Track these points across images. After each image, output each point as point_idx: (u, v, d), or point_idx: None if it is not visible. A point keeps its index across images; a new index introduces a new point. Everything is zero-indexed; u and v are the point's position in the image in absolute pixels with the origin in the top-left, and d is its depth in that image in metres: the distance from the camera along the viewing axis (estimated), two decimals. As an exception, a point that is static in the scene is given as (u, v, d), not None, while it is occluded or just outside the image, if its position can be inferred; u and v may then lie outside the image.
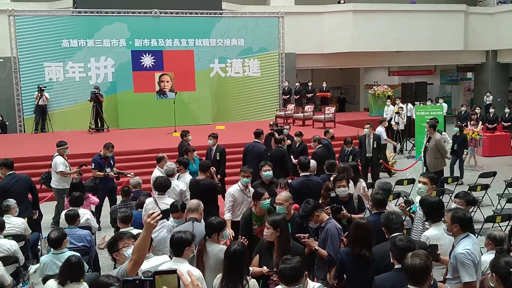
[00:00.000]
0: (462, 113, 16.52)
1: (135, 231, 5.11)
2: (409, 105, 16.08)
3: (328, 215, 4.99)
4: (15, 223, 6.38)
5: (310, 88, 19.33)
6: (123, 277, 3.03)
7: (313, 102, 18.69)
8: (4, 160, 7.51)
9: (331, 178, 6.16)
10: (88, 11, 16.67)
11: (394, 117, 15.37)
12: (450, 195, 8.80)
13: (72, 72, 16.71)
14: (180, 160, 7.73)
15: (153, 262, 4.19)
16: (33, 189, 7.44)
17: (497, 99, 20.69)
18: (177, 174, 7.45)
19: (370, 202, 5.25)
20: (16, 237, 6.16)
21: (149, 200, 6.16)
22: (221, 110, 18.17)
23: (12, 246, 5.79)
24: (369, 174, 10.80)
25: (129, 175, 8.66)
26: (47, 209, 8.70)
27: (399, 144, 15.07)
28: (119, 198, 7.95)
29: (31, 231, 6.72)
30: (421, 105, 15.84)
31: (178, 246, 3.97)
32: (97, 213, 8.55)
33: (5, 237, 5.89)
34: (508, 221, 7.04)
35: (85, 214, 6.71)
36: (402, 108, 15.89)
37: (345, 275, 4.33)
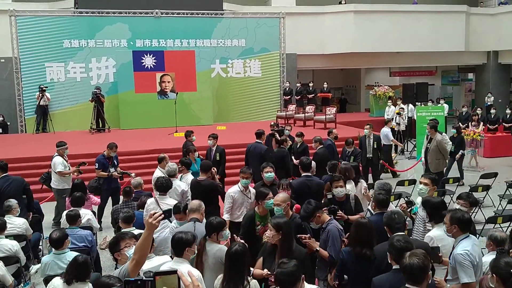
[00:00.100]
0: (463, 114, 16.51)
1: (136, 232, 5.11)
2: (410, 106, 16.06)
3: (329, 216, 4.99)
4: (17, 223, 6.39)
5: (311, 88, 19.33)
6: (125, 277, 3.04)
7: (314, 103, 18.68)
8: None
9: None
10: (90, 11, 16.69)
11: (395, 118, 15.36)
12: (452, 196, 8.81)
13: (73, 72, 16.73)
14: (183, 160, 7.74)
15: (154, 262, 4.19)
16: (27, 191, 7.41)
17: (498, 100, 20.68)
18: (180, 175, 7.47)
19: (373, 203, 5.23)
20: (17, 237, 6.16)
21: (150, 201, 6.16)
22: (222, 110, 18.18)
23: (14, 246, 5.79)
24: (370, 175, 10.80)
25: (132, 175, 8.67)
26: (49, 209, 8.70)
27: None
28: (122, 198, 7.95)
29: (32, 231, 6.74)
30: (422, 106, 15.83)
31: (178, 247, 3.98)
32: (99, 213, 8.56)
33: (6, 237, 5.90)
34: (509, 222, 7.04)
35: (86, 214, 6.71)
36: (403, 109, 15.88)
37: (346, 276, 4.33)
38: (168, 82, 16.76)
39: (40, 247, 7.28)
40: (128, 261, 3.28)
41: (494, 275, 3.39)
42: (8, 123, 16.66)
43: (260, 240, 4.84)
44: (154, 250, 4.68)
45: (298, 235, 4.69)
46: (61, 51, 16.53)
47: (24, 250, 6.18)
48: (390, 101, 17.01)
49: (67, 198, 7.87)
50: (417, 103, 16.16)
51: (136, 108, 16.29)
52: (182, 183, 7.10)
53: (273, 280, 3.95)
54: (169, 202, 6.03)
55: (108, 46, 16.93)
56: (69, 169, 8.52)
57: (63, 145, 8.57)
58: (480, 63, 22.32)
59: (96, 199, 8.30)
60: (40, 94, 15.59)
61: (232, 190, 6.30)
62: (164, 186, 6.18)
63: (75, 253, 4.94)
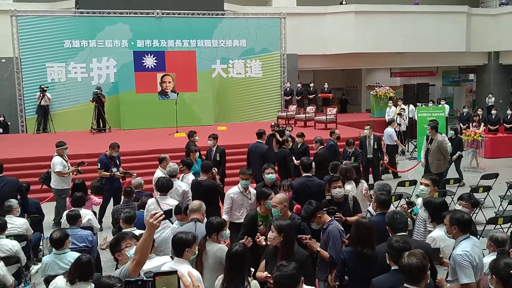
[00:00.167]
0: (464, 114, 16.50)
1: (137, 232, 5.11)
2: (411, 106, 16.06)
3: (330, 217, 4.98)
4: (17, 223, 6.39)
5: (312, 89, 19.33)
6: (125, 277, 3.04)
7: (315, 103, 18.67)
8: None
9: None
10: (90, 11, 16.71)
11: (396, 118, 15.36)
12: (452, 196, 8.80)
13: (74, 72, 16.75)
14: (184, 160, 7.74)
15: (155, 263, 4.19)
16: (21, 192, 7.38)
17: (499, 101, 20.68)
18: (181, 175, 7.47)
19: (374, 203, 5.22)
20: (18, 237, 6.17)
21: (151, 201, 6.16)
22: (222, 111, 18.19)
23: (14, 246, 5.80)
24: (370, 176, 10.79)
25: (134, 175, 8.68)
26: (49, 209, 8.70)
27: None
28: (123, 199, 7.95)
29: (33, 231, 6.74)
30: (423, 106, 15.82)
31: (178, 247, 3.98)
32: (101, 213, 8.56)
33: (7, 237, 5.90)
34: (510, 223, 7.03)
35: (86, 214, 6.71)
36: (404, 109, 15.87)
37: (346, 277, 4.33)
38: (169, 82, 16.76)
39: (40, 247, 7.28)
40: (128, 261, 3.28)
41: (493, 276, 3.37)
42: (9, 123, 16.67)
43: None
44: (155, 251, 4.69)
45: (299, 236, 4.68)
46: (62, 51, 16.55)
47: (25, 250, 6.19)
48: (391, 101, 17.00)
49: (67, 198, 7.87)
50: (418, 103, 16.15)
51: (137, 108, 16.30)
52: (183, 183, 7.10)
53: (271, 282, 3.95)
54: (170, 202, 6.04)
55: (109, 46, 16.94)
56: (68, 169, 8.52)
57: (62, 145, 8.58)
58: (481, 63, 22.31)
59: (97, 199, 8.29)
60: (41, 94, 15.60)
61: (232, 191, 6.30)
62: (164, 187, 6.18)
63: (75, 253, 4.95)
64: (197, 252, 4.09)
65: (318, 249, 4.72)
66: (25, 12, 16.31)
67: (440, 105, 16.70)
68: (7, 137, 15.58)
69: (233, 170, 9.77)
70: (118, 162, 8.85)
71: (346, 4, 20.71)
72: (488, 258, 4.26)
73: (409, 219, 5.71)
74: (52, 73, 16.54)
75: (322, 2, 20.19)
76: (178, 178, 7.32)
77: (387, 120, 16.10)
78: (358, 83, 25.48)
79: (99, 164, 8.61)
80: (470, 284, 3.92)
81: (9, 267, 5.57)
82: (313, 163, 7.89)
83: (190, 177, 7.37)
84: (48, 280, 4.78)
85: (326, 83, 19.77)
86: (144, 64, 16.50)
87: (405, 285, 3.28)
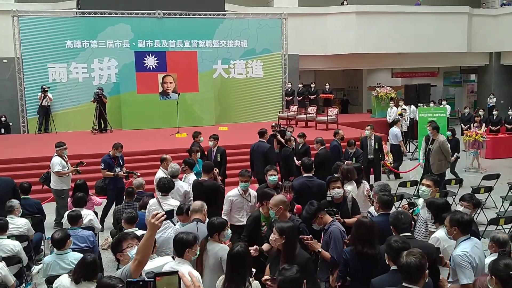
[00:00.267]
0: (465, 115, 16.49)
1: (139, 232, 5.12)
2: (412, 107, 16.06)
3: (331, 217, 4.98)
4: (19, 223, 6.40)
5: (313, 89, 19.31)
6: (127, 277, 3.04)
7: (316, 104, 18.65)
8: None
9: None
10: (92, 12, 16.73)
11: (397, 119, 15.34)
12: (454, 197, 8.80)
13: (75, 73, 16.76)
14: (186, 160, 7.75)
15: (156, 263, 4.20)
16: (16, 192, 7.32)
17: (501, 101, 20.67)
18: (183, 175, 7.47)
19: (377, 204, 5.20)
20: (19, 238, 6.18)
21: (152, 201, 6.17)
22: (224, 111, 18.19)
23: (16, 246, 5.81)
24: (372, 176, 10.79)
25: (137, 174, 8.68)
26: (50, 210, 8.70)
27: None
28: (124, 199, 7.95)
29: (34, 231, 6.74)
30: (424, 107, 15.82)
31: (179, 247, 3.98)
32: (104, 213, 8.57)
33: (8, 237, 5.91)
34: (511, 224, 7.03)
35: (88, 215, 6.72)
36: (405, 110, 15.86)
37: (348, 277, 4.32)
38: (170, 82, 16.77)
39: (42, 247, 7.29)
40: (130, 261, 3.28)
41: (493, 277, 3.37)
42: (11, 124, 16.69)
43: (265, 241, 4.83)
44: (157, 251, 4.69)
45: (300, 236, 4.68)
46: (63, 52, 16.57)
47: (26, 250, 6.20)
48: (392, 102, 17.00)
49: (69, 199, 7.88)
50: (419, 104, 16.14)
51: (138, 108, 16.31)
52: (185, 183, 7.11)
53: (269, 284, 3.94)
54: (171, 202, 6.04)
55: (110, 46, 16.96)
56: (67, 170, 8.53)
57: (62, 146, 8.58)
58: (482, 64, 22.29)
59: (98, 199, 8.30)
60: (42, 95, 15.63)
61: (231, 194, 6.28)
62: (166, 187, 6.19)
63: (77, 254, 4.96)
64: (198, 253, 4.09)
65: (320, 249, 4.72)
66: (26, 12, 16.34)
67: (442, 106, 16.69)
68: (9, 137, 15.61)
69: (234, 170, 9.77)
70: (121, 162, 8.87)
71: (347, 4, 20.71)
72: (490, 259, 4.26)
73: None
74: (54, 73, 16.56)
75: (324, 3, 20.19)
76: (181, 179, 7.33)
77: (389, 120, 16.11)
78: (359, 83, 25.47)
79: (102, 164, 8.63)
80: (470, 285, 3.92)
81: (11, 267, 5.57)
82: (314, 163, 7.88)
83: (192, 177, 7.38)
84: (49, 280, 4.78)
85: (327, 84, 19.76)
86: (146, 64, 16.51)
87: (403, 284, 3.29)
